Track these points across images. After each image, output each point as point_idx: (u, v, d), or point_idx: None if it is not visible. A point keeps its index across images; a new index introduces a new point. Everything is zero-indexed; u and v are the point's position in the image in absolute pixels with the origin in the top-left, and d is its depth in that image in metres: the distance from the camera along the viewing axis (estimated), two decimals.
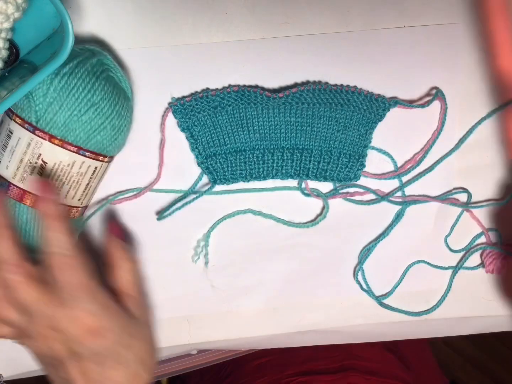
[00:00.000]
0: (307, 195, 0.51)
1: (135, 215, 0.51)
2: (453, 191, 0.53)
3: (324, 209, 0.52)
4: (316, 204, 0.52)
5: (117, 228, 0.48)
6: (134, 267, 0.46)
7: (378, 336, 0.58)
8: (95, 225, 0.51)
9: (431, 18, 0.48)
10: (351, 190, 0.52)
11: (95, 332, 0.41)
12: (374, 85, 0.49)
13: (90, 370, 0.41)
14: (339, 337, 0.58)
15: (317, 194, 0.51)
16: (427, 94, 0.50)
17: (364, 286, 0.54)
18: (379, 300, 0.55)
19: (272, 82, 0.48)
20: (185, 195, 0.50)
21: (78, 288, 0.41)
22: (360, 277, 0.54)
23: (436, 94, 0.49)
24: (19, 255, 0.41)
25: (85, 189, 0.44)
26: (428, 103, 0.49)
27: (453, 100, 0.50)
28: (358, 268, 0.54)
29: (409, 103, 0.49)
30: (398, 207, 0.52)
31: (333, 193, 0.51)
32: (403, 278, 0.55)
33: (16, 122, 0.41)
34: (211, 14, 0.46)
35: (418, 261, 0.54)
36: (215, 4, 0.46)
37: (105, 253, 0.46)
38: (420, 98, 0.50)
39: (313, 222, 0.52)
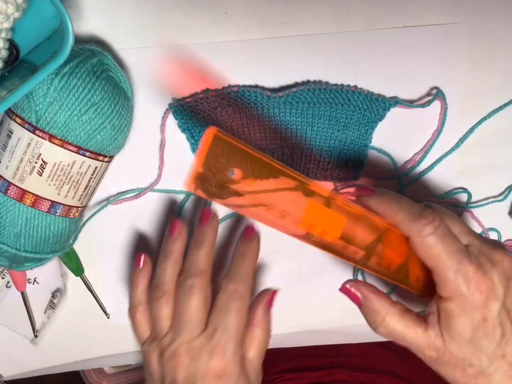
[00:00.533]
0: None
1: (136, 216, 0.51)
2: (453, 191, 0.53)
3: None
4: None
5: (272, 297, 0.47)
6: (266, 339, 0.46)
7: (378, 336, 0.58)
8: (96, 225, 0.51)
9: (431, 18, 0.48)
10: (352, 190, 0.52)
11: (221, 376, 0.42)
12: (374, 85, 0.49)
13: None
14: (339, 337, 0.58)
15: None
16: (427, 94, 0.50)
17: None
18: None
19: (272, 82, 0.48)
20: (187, 195, 0.51)
21: (233, 332, 0.42)
22: (359, 277, 0.54)
23: (436, 94, 0.49)
24: (208, 267, 0.44)
25: (85, 189, 0.44)
26: (428, 103, 0.49)
27: (453, 100, 0.50)
28: (358, 268, 0.54)
29: (409, 103, 0.49)
30: None
31: None
32: None
33: (16, 122, 0.41)
34: (211, 14, 0.46)
35: None
36: (215, 4, 0.46)
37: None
38: (420, 98, 0.50)
39: None
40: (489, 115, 0.51)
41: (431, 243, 0.37)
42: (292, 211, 0.37)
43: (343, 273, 0.54)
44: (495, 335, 0.37)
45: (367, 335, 0.58)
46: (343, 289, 0.42)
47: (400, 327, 0.40)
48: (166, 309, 0.44)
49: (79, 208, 0.46)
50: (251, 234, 0.46)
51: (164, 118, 0.48)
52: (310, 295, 0.55)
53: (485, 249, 0.38)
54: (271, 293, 0.46)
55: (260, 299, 0.46)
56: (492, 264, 0.38)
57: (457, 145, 0.51)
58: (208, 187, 0.35)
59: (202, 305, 0.43)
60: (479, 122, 0.51)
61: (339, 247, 0.39)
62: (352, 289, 0.41)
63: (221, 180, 0.35)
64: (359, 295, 0.41)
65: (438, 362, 0.40)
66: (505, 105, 0.51)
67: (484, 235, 0.54)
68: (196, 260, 0.44)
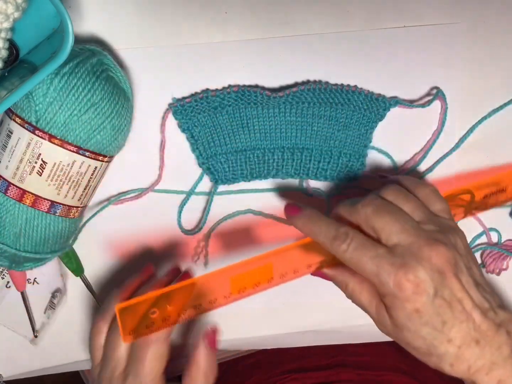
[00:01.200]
0: (310, 195, 0.51)
1: (136, 216, 0.51)
2: None
3: (326, 209, 0.52)
4: (317, 204, 0.52)
5: (214, 338, 0.47)
6: (209, 380, 0.46)
7: (379, 336, 0.58)
8: (96, 225, 0.51)
9: (431, 18, 0.48)
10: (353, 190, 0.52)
11: None
12: (374, 85, 0.49)
13: None
14: (339, 337, 0.58)
15: (319, 193, 0.51)
16: (427, 94, 0.50)
17: None
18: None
19: (272, 82, 0.48)
20: (187, 195, 0.51)
21: (143, 381, 0.43)
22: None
23: (436, 94, 0.49)
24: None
25: (84, 189, 0.44)
26: (429, 103, 0.49)
27: (453, 100, 0.50)
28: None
29: (409, 103, 0.49)
30: None
31: (334, 193, 0.51)
32: None
33: (16, 122, 0.41)
34: (211, 14, 0.46)
35: None
36: (215, 4, 0.46)
37: (191, 348, 0.45)
38: (420, 98, 0.50)
39: None
40: (489, 115, 0.51)
41: (348, 258, 0.41)
42: (219, 293, 0.43)
43: None
44: (434, 324, 0.39)
45: (367, 335, 0.58)
46: (314, 274, 0.46)
47: (357, 291, 0.44)
48: (100, 340, 0.45)
49: (79, 208, 0.46)
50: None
51: (164, 118, 0.48)
52: (310, 295, 0.55)
53: (413, 247, 0.40)
54: (211, 333, 0.46)
55: (202, 339, 0.45)
56: (417, 261, 0.40)
57: (457, 145, 0.51)
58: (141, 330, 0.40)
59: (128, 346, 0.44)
60: (479, 122, 0.51)
61: (281, 279, 0.45)
62: (320, 272, 0.46)
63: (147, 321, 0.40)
64: (326, 274, 0.46)
65: (390, 336, 0.43)
66: (505, 105, 0.51)
67: (484, 235, 0.54)
68: None
